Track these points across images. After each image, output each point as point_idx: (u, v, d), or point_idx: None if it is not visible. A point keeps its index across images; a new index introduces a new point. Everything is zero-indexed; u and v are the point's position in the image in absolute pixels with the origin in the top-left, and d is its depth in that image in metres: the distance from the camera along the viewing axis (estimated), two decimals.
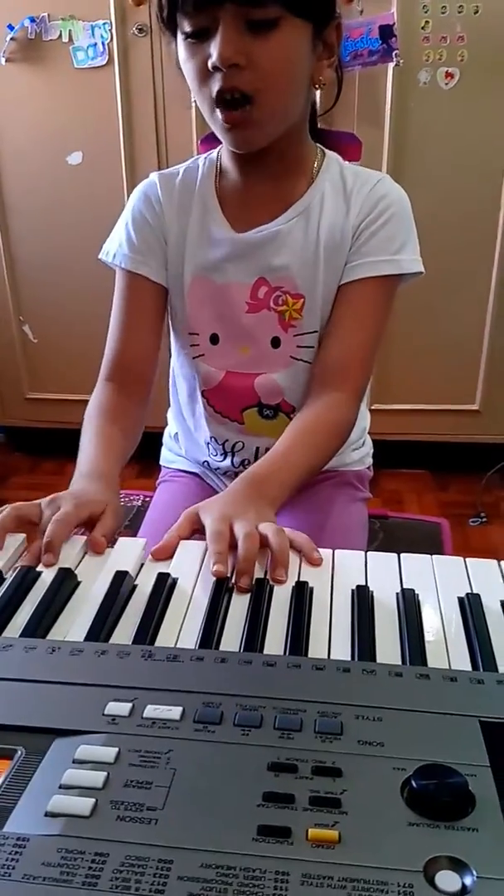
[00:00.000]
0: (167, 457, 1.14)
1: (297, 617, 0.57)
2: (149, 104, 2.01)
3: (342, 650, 0.55)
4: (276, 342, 0.95)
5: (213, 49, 0.77)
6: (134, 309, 0.95)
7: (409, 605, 0.59)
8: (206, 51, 0.78)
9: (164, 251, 0.95)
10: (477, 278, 2.11)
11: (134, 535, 1.03)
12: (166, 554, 0.68)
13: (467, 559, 0.67)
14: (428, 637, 0.56)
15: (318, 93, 0.91)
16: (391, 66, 1.89)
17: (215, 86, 0.79)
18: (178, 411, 1.08)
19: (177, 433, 1.11)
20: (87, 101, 2.04)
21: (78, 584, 0.64)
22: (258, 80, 0.79)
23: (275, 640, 0.56)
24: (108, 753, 0.43)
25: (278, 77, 0.80)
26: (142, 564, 0.67)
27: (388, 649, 0.55)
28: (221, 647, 0.55)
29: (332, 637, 0.56)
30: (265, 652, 0.54)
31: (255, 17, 0.76)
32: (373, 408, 2.30)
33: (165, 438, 1.16)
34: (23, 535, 0.70)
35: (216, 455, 1.04)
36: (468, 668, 0.53)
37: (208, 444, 1.04)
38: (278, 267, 0.92)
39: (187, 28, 0.79)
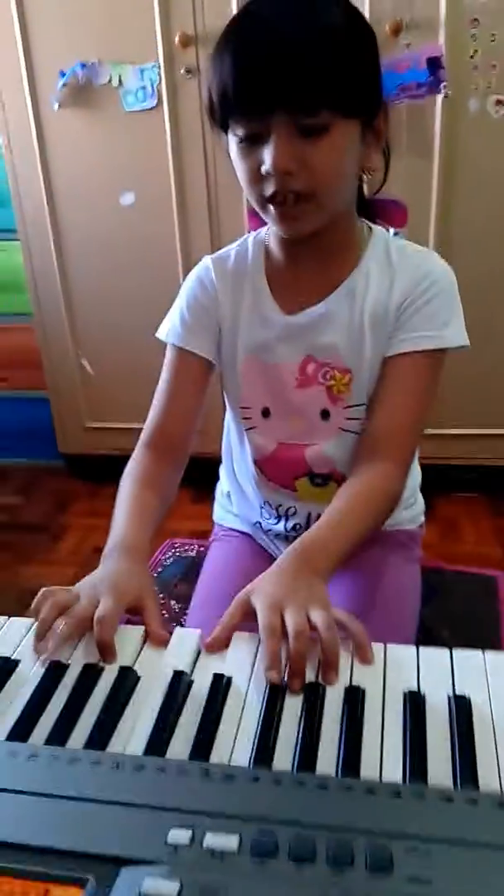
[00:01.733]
0: (220, 514, 1.17)
1: (350, 728, 0.59)
2: (198, 144, 2.04)
3: (394, 765, 0.56)
4: (325, 415, 0.97)
5: (267, 156, 0.79)
6: (179, 382, 0.99)
7: (461, 715, 0.60)
8: (258, 154, 0.81)
9: (217, 331, 0.99)
10: None
11: (190, 590, 1.06)
12: (220, 647, 0.70)
13: None
14: (479, 752, 0.57)
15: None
16: (440, 97, 1.88)
17: (269, 189, 0.82)
18: (231, 473, 1.11)
19: (229, 492, 1.14)
20: (139, 142, 2.08)
21: (138, 679, 0.67)
22: (312, 183, 0.81)
23: (328, 753, 0.57)
24: (172, 888, 0.45)
25: (331, 178, 0.82)
26: (198, 654, 0.70)
27: (440, 766, 0.56)
28: (276, 762, 0.57)
29: (384, 750, 0.57)
30: (318, 765, 0.56)
31: (307, 123, 0.78)
32: (427, 432, 2.30)
33: (218, 495, 1.19)
34: (30, 620, 0.73)
35: (270, 518, 1.06)
36: None
37: (262, 507, 1.06)
38: (325, 345, 0.94)
39: (239, 132, 0.81)
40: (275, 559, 1.06)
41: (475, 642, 1.03)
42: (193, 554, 1.26)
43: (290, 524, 1.05)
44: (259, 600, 0.71)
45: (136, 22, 1.96)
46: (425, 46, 1.84)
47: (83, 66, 2.03)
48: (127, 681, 0.66)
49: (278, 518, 1.06)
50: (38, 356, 2.44)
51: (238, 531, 1.13)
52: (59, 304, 2.33)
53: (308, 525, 1.04)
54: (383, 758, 0.57)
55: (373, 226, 0.98)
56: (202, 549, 1.24)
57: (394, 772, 0.56)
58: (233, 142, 0.84)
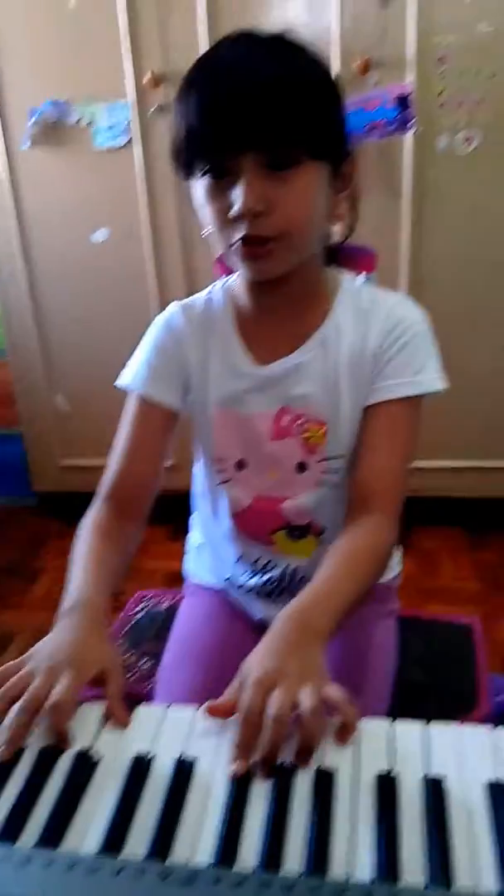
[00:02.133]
0: (191, 568, 1.14)
1: (319, 818, 0.56)
2: (171, 180, 2.03)
3: (365, 860, 0.53)
4: (301, 467, 0.95)
5: (237, 197, 0.78)
6: (142, 432, 0.95)
7: (435, 801, 0.57)
8: (226, 195, 0.79)
9: (184, 379, 0.96)
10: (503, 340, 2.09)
11: (161, 647, 1.02)
12: (220, 714, 0.66)
13: (496, 729, 0.64)
14: (454, 842, 0.54)
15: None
16: (409, 134, 1.89)
17: (238, 232, 0.80)
18: (205, 527, 1.08)
19: (200, 545, 1.11)
20: (111, 180, 2.07)
21: (96, 764, 0.63)
22: (281, 225, 0.80)
23: (295, 847, 0.54)
24: None
25: (301, 219, 0.81)
26: (162, 733, 0.67)
27: (413, 859, 0.53)
28: (240, 859, 0.53)
29: (355, 842, 0.54)
30: (286, 862, 0.53)
31: (276, 164, 0.77)
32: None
33: (189, 548, 1.15)
34: None
35: (245, 573, 1.03)
36: (494, 888, 0.51)
37: (237, 562, 1.03)
38: (300, 396, 0.92)
39: (207, 173, 0.80)
40: (247, 616, 1.05)
41: (453, 693, 1.03)
42: (165, 607, 1.22)
43: (265, 579, 1.02)
44: (250, 674, 0.66)
45: (106, 61, 1.96)
46: (394, 85, 1.85)
47: (53, 104, 2.02)
48: (84, 767, 0.62)
49: (253, 573, 1.02)
50: (11, 393, 2.40)
51: (209, 587, 1.09)
52: (34, 340, 2.31)
53: (283, 580, 1.01)
54: (353, 852, 0.54)
55: (340, 273, 0.96)
56: (174, 600, 1.21)
57: (364, 868, 0.53)
58: (199, 185, 0.82)
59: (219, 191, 0.80)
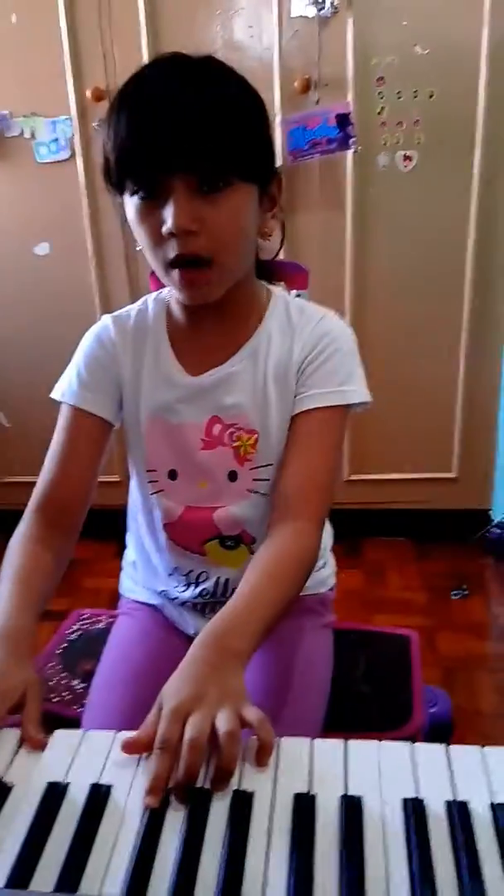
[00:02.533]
0: (126, 585, 1.13)
1: (234, 845, 0.55)
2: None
3: (278, 884, 0.52)
4: (232, 476, 0.95)
5: (168, 216, 0.78)
6: (75, 443, 0.94)
7: (349, 821, 0.56)
8: (158, 215, 0.79)
9: (117, 391, 0.95)
10: (446, 352, 2.13)
11: (95, 667, 1.00)
12: (138, 750, 0.64)
13: (415, 745, 0.65)
14: (368, 861, 0.54)
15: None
16: (350, 152, 1.91)
17: (171, 252, 0.81)
18: (139, 541, 1.06)
19: (135, 561, 1.10)
20: (53, 193, 2.06)
21: (9, 790, 0.62)
22: (213, 244, 0.81)
23: (208, 878, 0.53)
24: None
25: (232, 239, 0.82)
26: (78, 757, 0.65)
27: (327, 881, 0.52)
28: (151, 887, 0.52)
29: (267, 868, 0.54)
30: (198, 889, 0.52)
31: (206, 185, 0.78)
32: (351, 478, 2.31)
33: (124, 564, 1.14)
34: None
35: (179, 585, 1.02)
36: None
37: (171, 574, 1.02)
38: (230, 406, 0.93)
39: (138, 192, 0.80)
40: (181, 632, 1.03)
41: (389, 705, 1.03)
42: (102, 626, 1.20)
43: (198, 590, 1.01)
44: (166, 703, 0.65)
45: (48, 76, 1.95)
46: (334, 104, 1.88)
47: None
48: None
49: (187, 585, 1.02)
50: None
51: (144, 603, 1.08)
52: None
53: (216, 591, 1.01)
54: (266, 880, 0.53)
55: (271, 287, 0.98)
56: (111, 619, 1.18)
57: (278, 890, 0.52)
58: (131, 203, 0.82)
59: (150, 210, 0.80)
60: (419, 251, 2.02)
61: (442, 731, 1.13)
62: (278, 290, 0.98)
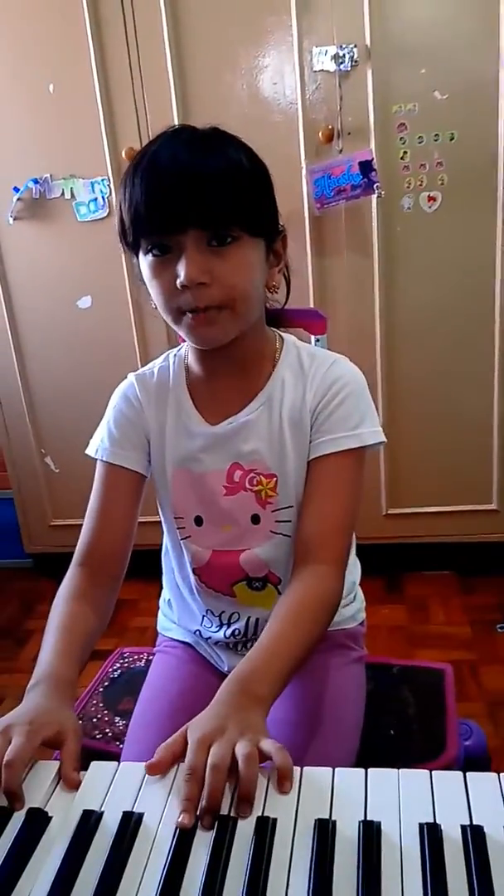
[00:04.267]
0: (163, 623, 1.17)
1: (255, 869, 0.58)
2: None
3: None
4: (255, 519, 0.99)
5: (181, 269, 0.84)
6: (111, 498, 1.00)
7: (367, 846, 0.59)
8: (171, 269, 0.85)
9: (145, 445, 1.01)
10: (479, 384, 2.14)
11: (133, 705, 1.04)
12: (159, 771, 0.69)
13: (434, 772, 0.67)
14: (385, 885, 0.56)
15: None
16: (374, 196, 1.97)
17: (184, 303, 0.86)
18: (172, 581, 1.11)
19: (170, 599, 1.14)
20: (93, 250, 2.16)
21: (49, 820, 0.66)
22: (224, 295, 0.86)
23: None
24: None
25: (241, 290, 0.88)
26: (113, 787, 0.69)
27: None
28: None
29: (289, 890, 0.56)
30: None
31: (216, 239, 0.85)
32: (389, 512, 2.33)
33: (161, 603, 1.18)
34: None
35: (212, 626, 1.06)
36: None
37: (204, 616, 1.06)
38: (249, 452, 0.97)
39: (153, 249, 0.86)
40: (216, 670, 1.07)
41: (423, 738, 1.04)
42: (142, 664, 1.24)
43: (230, 630, 1.04)
44: (191, 735, 0.70)
45: (85, 139, 2.06)
46: (357, 151, 1.95)
47: (36, 181, 2.12)
48: (35, 824, 0.64)
49: (220, 625, 1.05)
50: (1, 457, 2.45)
51: (179, 641, 1.12)
52: (21, 404, 2.37)
53: (247, 631, 1.04)
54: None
55: (284, 335, 1.02)
56: (151, 657, 1.22)
57: None
58: (145, 261, 0.88)
59: (164, 266, 0.86)
60: (447, 288, 2.05)
61: (478, 765, 1.13)
62: (290, 338, 1.03)
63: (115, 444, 1.00)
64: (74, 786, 0.69)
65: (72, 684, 0.84)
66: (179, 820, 0.63)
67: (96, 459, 1.02)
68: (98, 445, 1.02)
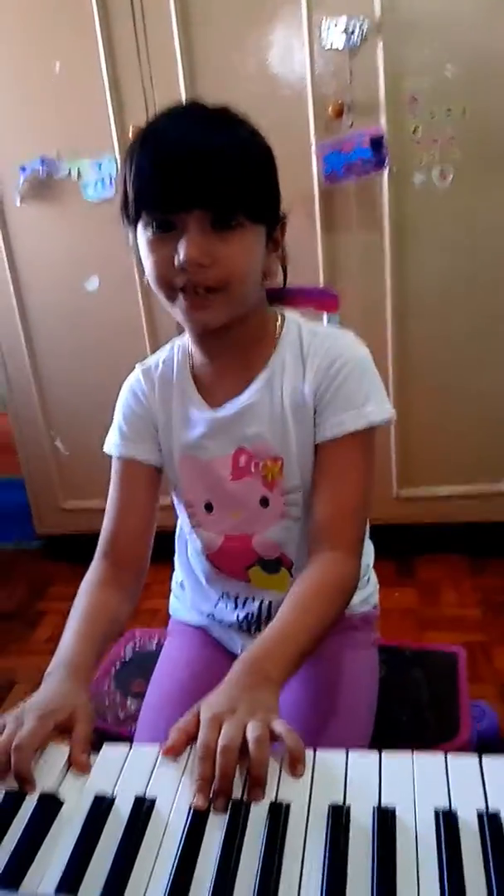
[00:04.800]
0: (175, 605, 1.17)
1: (269, 854, 0.57)
2: None
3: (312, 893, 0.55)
4: (264, 502, 0.98)
5: (181, 248, 0.82)
6: (128, 491, 1.00)
7: (382, 833, 0.58)
8: (170, 246, 0.83)
9: (156, 436, 1.01)
10: (492, 363, 2.12)
11: (145, 687, 1.04)
12: (175, 752, 0.69)
13: (449, 756, 0.66)
14: (400, 872, 0.55)
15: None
16: (385, 172, 1.94)
17: (180, 281, 0.84)
18: (186, 565, 1.10)
19: (183, 581, 1.14)
20: (100, 230, 2.13)
21: (60, 805, 0.65)
22: (222, 277, 0.84)
23: (246, 882, 0.56)
24: None
25: (239, 274, 0.86)
26: (124, 771, 0.68)
27: (359, 893, 0.54)
28: (191, 893, 0.55)
29: (303, 878, 0.56)
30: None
31: (219, 220, 0.82)
32: (401, 494, 2.31)
33: (173, 585, 1.18)
34: None
35: (226, 608, 1.06)
36: None
37: (219, 599, 1.06)
38: (253, 435, 0.96)
39: (154, 224, 0.84)
40: (229, 652, 1.07)
41: (436, 721, 1.03)
42: (154, 646, 1.24)
43: (244, 613, 1.04)
44: (203, 714, 0.70)
45: (92, 118, 2.03)
46: (368, 127, 1.91)
47: (43, 161, 2.10)
48: (47, 809, 0.64)
49: (234, 608, 1.05)
50: (11, 440, 2.45)
51: (192, 623, 1.12)
52: (31, 387, 2.36)
53: (261, 615, 1.04)
54: (301, 888, 0.55)
55: (286, 313, 1.00)
56: (162, 640, 1.22)
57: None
58: (144, 235, 0.86)
59: (164, 242, 0.84)
60: (459, 264, 2.02)
61: (491, 746, 1.12)
62: (292, 316, 1.00)
63: (127, 438, 1.01)
64: (84, 769, 0.69)
65: (88, 670, 0.84)
66: (194, 801, 0.63)
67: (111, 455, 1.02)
68: (113, 442, 1.02)
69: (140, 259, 0.89)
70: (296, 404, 0.94)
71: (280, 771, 0.66)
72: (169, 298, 0.87)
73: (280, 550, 1.00)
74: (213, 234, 0.83)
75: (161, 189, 0.82)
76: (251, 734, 0.66)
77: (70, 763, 0.70)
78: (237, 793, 0.64)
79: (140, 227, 0.86)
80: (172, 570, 1.17)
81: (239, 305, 0.89)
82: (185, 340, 1.01)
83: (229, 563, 1.02)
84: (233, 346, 0.95)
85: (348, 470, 0.94)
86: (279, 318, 0.99)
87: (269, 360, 0.96)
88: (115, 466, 1.02)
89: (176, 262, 0.83)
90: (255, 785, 0.64)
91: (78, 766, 0.70)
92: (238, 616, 1.05)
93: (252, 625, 1.05)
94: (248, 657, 0.78)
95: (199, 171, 0.80)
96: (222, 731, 0.67)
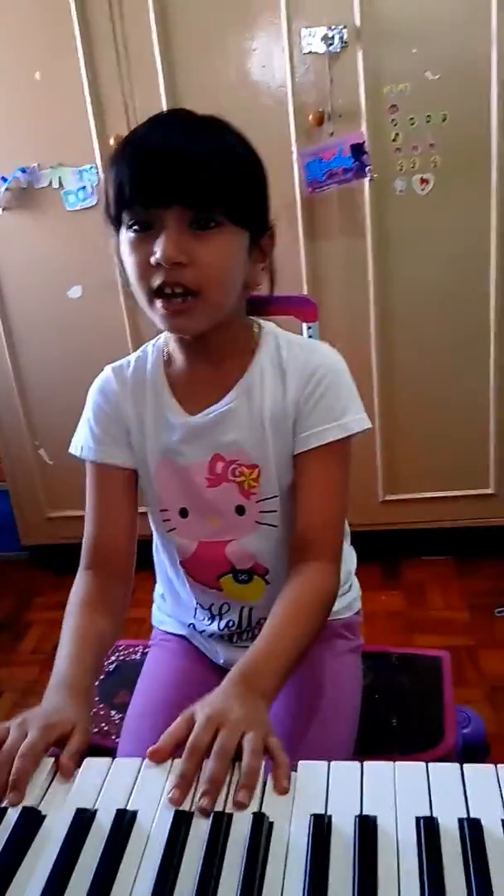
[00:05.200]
0: (157, 616, 1.16)
1: (250, 865, 0.57)
2: None
3: None
4: (240, 510, 0.98)
5: (158, 247, 0.82)
6: (105, 497, 0.99)
7: (363, 841, 0.58)
8: (149, 246, 0.83)
9: (128, 438, 0.99)
10: (475, 368, 2.13)
11: (129, 695, 1.04)
12: (161, 757, 0.69)
13: (430, 765, 0.66)
14: (381, 881, 0.55)
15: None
16: (366, 179, 1.95)
17: (157, 280, 0.84)
18: (165, 574, 1.10)
19: (163, 593, 1.13)
20: (82, 239, 2.13)
21: (42, 818, 0.65)
22: (199, 278, 0.84)
23: (228, 894, 0.55)
24: None
25: (217, 276, 0.85)
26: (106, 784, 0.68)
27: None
28: None
29: (284, 887, 0.56)
30: None
31: (198, 220, 0.82)
32: (386, 499, 2.32)
33: (155, 596, 1.18)
34: None
35: (204, 619, 1.05)
36: None
37: (195, 609, 1.05)
38: (229, 443, 0.96)
39: (133, 223, 0.84)
40: (211, 662, 1.06)
41: (420, 726, 1.03)
42: (138, 657, 1.24)
43: (223, 623, 1.04)
44: (200, 713, 0.71)
45: (72, 127, 2.03)
46: (348, 134, 1.92)
47: (24, 170, 2.09)
48: (28, 823, 0.64)
49: (212, 618, 1.05)
50: None
51: (174, 634, 1.11)
52: (13, 396, 2.35)
53: (241, 622, 1.03)
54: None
55: (263, 322, 1.00)
56: (146, 650, 1.22)
57: None
58: (125, 237, 0.86)
59: (143, 243, 0.84)
60: (441, 270, 2.04)
61: (476, 753, 1.12)
62: (269, 325, 1.00)
63: (99, 442, 0.99)
64: (68, 775, 0.69)
65: (87, 690, 0.84)
66: (171, 795, 0.64)
67: (83, 459, 1.00)
68: (82, 444, 1.00)
69: (123, 266, 0.89)
70: (275, 415, 0.94)
71: (265, 785, 0.66)
72: (149, 302, 0.87)
73: (254, 560, 1.00)
74: (191, 233, 0.82)
75: (139, 185, 0.82)
76: (248, 744, 0.67)
77: (54, 775, 0.70)
78: (219, 805, 0.64)
79: (122, 228, 0.86)
80: (155, 580, 1.17)
81: (217, 312, 0.88)
82: (161, 343, 1.01)
83: (202, 570, 1.02)
84: (211, 352, 0.94)
85: (328, 480, 0.94)
86: (256, 327, 0.99)
87: (246, 368, 0.96)
88: (90, 472, 1.00)
89: (152, 261, 0.82)
90: (244, 788, 0.64)
91: (63, 771, 0.69)
92: (218, 626, 1.04)
93: (233, 634, 1.05)
94: (238, 671, 0.78)
95: (175, 167, 0.80)
96: (219, 736, 0.67)
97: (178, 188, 0.80)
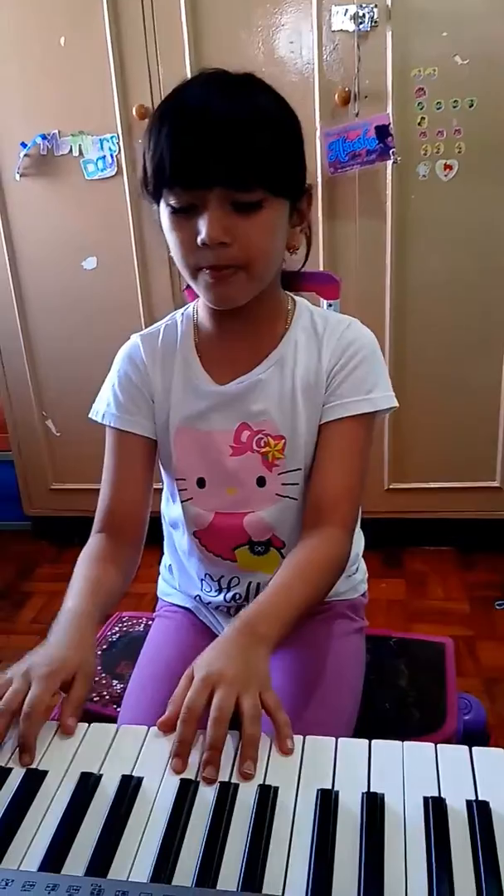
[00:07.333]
0: (163, 588, 1.16)
1: (256, 837, 0.57)
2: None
3: (298, 879, 0.54)
4: (261, 482, 0.97)
5: (202, 227, 0.81)
6: (124, 464, 0.99)
7: (371, 817, 0.58)
8: (192, 225, 0.82)
9: (151, 407, 0.99)
10: (488, 359, 2.11)
11: (132, 666, 1.03)
12: (171, 728, 0.69)
13: (439, 746, 0.66)
14: (388, 856, 0.55)
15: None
16: (390, 162, 1.92)
17: (203, 260, 0.84)
18: (172, 546, 1.10)
19: (170, 565, 1.13)
20: (99, 209, 2.12)
21: (43, 776, 0.65)
22: (244, 255, 0.84)
23: (232, 864, 0.55)
24: None
25: (262, 251, 0.85)
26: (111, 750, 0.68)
27: (346, 878, 0.54)
28: (176, 873, 0.55)
29: (289, 862, 0.56)
30: (220, 877, 0.54)
31: (240, 199, 0.81)
32: (392, 487, 2.31)
33: (162, 569, 1.17)
34: None
35: (210, 591, 1.05)
36: None
37: (202, 580, 1.05)
38: (258, 412, 0.95)
39: (174, 203, 0.83)
40: (215, 635, 1.06)
41: (422, 711, 1.03)
42: (141, 628, 1.23)
43: (229, 595, 1.03)
44: (197, 672, 0.71)
45: (95, 95, 2.01)
46: (374, 116, 1.90)
47: (44, 137, 2.07)
48: (32, 785, 0.63)
49: (219, 590, 1.04)
50: (1, 418, 2.43)
51: (180, 606, 1.11)
52: (23, 366, 2.34)
53: (248, 596, 1.03)
54: (288, 871, 0.55)
55: (296, 297, 1.00)
56: (150, 622, 1.21)
57: (299, 884, 0.54)
58: (165, 212, 0.85)
59: (185, 220, 0.83)
60: (460, 258, 2.02)
61: (477, 739, 1.12)
62: (302, 300, 1.01)
63: (123, 409, 0.99)
64: (70, 732, 0.69)
65: (93, 619, 0.84)
66: (172, 764, 0.64)
67: (103, 424, 1.00)
68: (104, 410, 1.00)
69: (161, 230, 0.88)
70: (308, 386, 0.94)
71: (269, 754, 0.66)
72: (192, 277, 0.87)
73: (272, 532, 1.00)
74: (234, 213, 0.81)
75: (179, 166, 0.80)
76: (244, 709, 0.67)
77: (55, 734, 0.70)
78: (224, 775, 0.63)
79: (162, 203, 0.85)
80: (161, 553, 1.16)
81: (261, 283, 0.89)
82: (191, 311, 1.00)
83: (217, 542, 1.01)
84: (247, 322, 0.94)
85: (352, 451, 0.95)
86: (290, 301, 0.99)
87: (281, 338, 0.96)
88: (110, 438, 1.00)
89: (198, 241, 0.82)
90: (245, 759, 0.64)
91: (65, 729, 0.70)
92: (224, 597, 1.04)
93: (239, 607, 1.04)
94: (241, 617, 0.79)
95: (218, 149, 0.79)
96: (214, 698, 0.67)
97: (220, 171, 0.79)
